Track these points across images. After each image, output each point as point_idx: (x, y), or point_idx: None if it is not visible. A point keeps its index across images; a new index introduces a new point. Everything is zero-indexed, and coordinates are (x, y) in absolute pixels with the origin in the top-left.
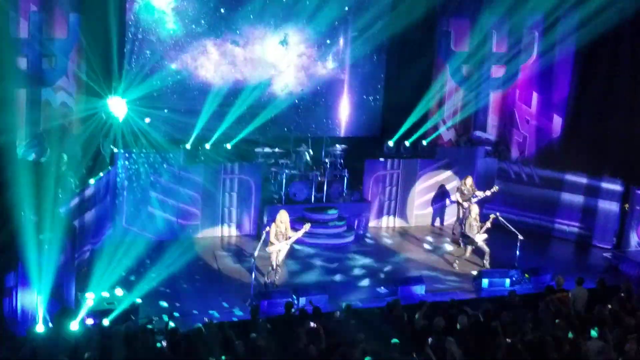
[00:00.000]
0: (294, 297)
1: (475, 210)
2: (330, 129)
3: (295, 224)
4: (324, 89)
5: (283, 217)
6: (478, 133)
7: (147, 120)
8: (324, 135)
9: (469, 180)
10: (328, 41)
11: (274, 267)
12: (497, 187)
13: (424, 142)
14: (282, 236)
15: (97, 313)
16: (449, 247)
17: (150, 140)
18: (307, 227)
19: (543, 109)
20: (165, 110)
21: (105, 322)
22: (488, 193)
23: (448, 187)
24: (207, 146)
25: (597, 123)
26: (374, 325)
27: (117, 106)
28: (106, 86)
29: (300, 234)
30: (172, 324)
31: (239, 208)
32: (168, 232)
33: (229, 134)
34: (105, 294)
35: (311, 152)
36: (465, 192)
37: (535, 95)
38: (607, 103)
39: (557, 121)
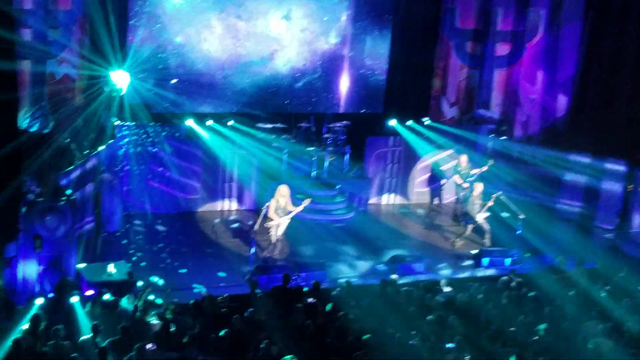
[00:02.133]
0: (293, 272)
1: (478, 188)
2: (333, 105)
3: (295, 200)
4: (326, 64)
5: (283, 191)
6: (481, 111)
7: (174, 81)
8: (326, 111)
9: (464, 158)
10: (325, 18)
11: (273, 242)
12: (492, 161)
13: (426, 121)
14: (282, 211)
15: (97, 285)
16: (449, 224)
17: (152, 113)
18: (307, 202)
19: (548, 87)
20: (174, 81)
21: (106, 296)
22: (484, 168)
23: (446, 166)
24: (210, 122)
25: (602, 103)
26: (372, 301)
27: (120, 78)
28: (110, 58)
29: (300, 209)
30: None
31: (240, 182)
32: (168, 205)
33: (230, 109)
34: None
35: (313, 129)
36: (461, 170)
37: (540, 74)
38: (613, 83)
39: (562, 100)
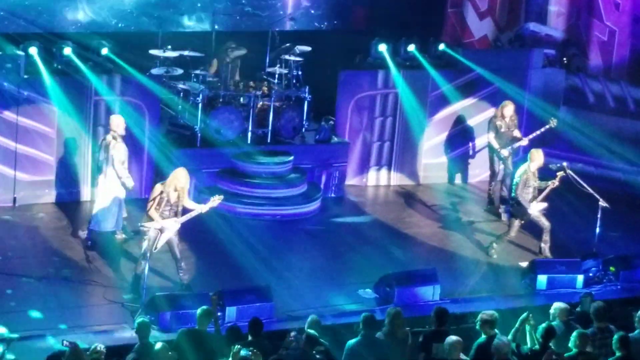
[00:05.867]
0: (218, 305)
1: (536, 159)
2: (280, 18)
3: (211, 182)
4: None
5: (180, 179)
6: (533, 26)
7: None
8: (270, 28)
9: (508, 109)
10: None
11: (146, 253)
12: (554, 121)
13: (441, 45)
14: (170, 210)
15: None
16: (480, 218)
17: None
18: (216, 201)
19: None
20: None
21: None
22: (539, 131)
23: (474, 121)
24: (68, 50)
25: None
26: (356, 355)
27: None
28: None
29: (202, 210)
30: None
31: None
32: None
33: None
34: None
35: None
36: (503, 128)
37: None
38: None
39: None
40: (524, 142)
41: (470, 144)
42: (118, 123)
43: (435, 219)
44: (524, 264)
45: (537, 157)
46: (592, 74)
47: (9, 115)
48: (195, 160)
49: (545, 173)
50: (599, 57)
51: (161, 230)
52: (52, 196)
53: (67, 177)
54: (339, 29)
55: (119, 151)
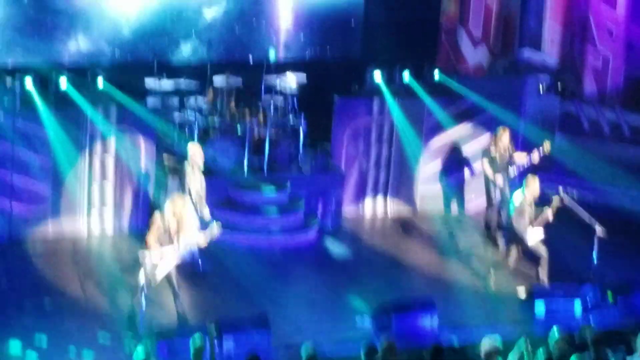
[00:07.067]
0: (213, 336)
1: (532, 186)
2: (272, 46)
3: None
4: None
5: (177, 204)
6: (527, 53)
7: None
8: (264, 58)
9: (504, 136)
10: None
11: (141, 284)
12: (548, 144)
13: (436, 73)
14: (170, 238)
15: None
16: (478, 247)
17: None
18: (214, 230)
19: (638, 11)
20: None
21: None
22: (535, 156)
23: (470, 147)
24: (63, 80)
25: None
26: None
27: None
28: None
29: (200, 239)
30: None
31: (121, 185)
32: None
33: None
34: None
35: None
36: (497, 156)
37: None
38: None
39: None
40: (523, 158)
41: (467, 171)
42: (195, 151)
43: (432, 247)
44: (522, 291)
45: (533, 184)
46: (587, 100)
47: (4, 146)
48: None
49: (542, 199)
50: (593, 83)
51: (160, 262)
52: (48, 228)
53: (62, 209)
54: (333, 56)
55: (196, 181)
